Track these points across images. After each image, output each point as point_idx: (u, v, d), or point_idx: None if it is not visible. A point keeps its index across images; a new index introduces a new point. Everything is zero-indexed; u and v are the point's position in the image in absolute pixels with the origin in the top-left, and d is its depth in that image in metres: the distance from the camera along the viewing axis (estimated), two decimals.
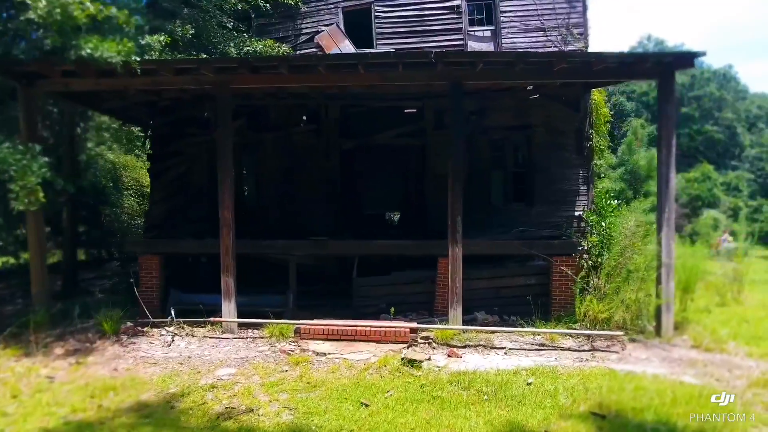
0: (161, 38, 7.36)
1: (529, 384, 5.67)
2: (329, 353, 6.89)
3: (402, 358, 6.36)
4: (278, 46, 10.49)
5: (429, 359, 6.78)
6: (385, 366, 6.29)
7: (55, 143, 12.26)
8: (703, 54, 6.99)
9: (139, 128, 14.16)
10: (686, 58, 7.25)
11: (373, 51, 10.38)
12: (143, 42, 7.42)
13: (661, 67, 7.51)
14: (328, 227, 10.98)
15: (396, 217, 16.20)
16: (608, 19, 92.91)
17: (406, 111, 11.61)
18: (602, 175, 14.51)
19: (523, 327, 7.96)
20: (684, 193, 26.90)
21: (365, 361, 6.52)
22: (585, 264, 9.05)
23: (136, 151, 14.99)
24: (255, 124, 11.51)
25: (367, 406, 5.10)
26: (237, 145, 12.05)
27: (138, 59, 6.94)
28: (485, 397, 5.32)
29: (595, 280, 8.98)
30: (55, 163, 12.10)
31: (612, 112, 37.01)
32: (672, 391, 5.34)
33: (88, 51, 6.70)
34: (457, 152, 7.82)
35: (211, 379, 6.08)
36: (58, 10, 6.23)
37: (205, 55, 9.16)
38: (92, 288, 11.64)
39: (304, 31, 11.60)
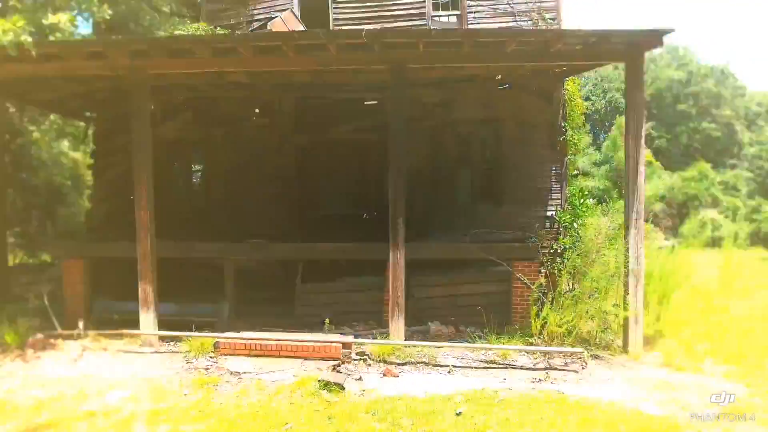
0: (65, 17, 6.51)
1: (458, 414, 4.81)
2: (245, 372, 6.05)
3: (319, 380, 5.50)
4: (211, 29, 9.61)
5: (360, 379, 5.95)
6: (301, 389, 5.44)
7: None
8: (672, 30, 6.12)
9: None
10: (655, 37, 6.38)
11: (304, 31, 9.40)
12: (46, 22, 6.57)
13: (629, 48, 6.67)
14: (282, 228, 10.14)
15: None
16: (607, 18, 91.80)
17: (366, 103, 10.78)
18: (579, 173, 13.59)
19: (476, 341, 7.12)
20: (680, 192, 25.93)
21: (280, 383, 5.67)
22: (556, 269, 8.19)
23: (81, 147, 14.20)
24: (203, 118, 10.69)
25: None
26: (184, 140, 11.34)
27: (31, 40, 6.12)
28: (400, 431, 4.47)
29: (565, 286, 8.15)
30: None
31: (608, 108, 35.91)
32: (624, 426, 4.48)
33: None
34: (398, 144, 6.95)
35: (96, 404, 5.24)
36: None
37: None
38: (28, 294, 10.80)
39: (256, 17, 10.78)
